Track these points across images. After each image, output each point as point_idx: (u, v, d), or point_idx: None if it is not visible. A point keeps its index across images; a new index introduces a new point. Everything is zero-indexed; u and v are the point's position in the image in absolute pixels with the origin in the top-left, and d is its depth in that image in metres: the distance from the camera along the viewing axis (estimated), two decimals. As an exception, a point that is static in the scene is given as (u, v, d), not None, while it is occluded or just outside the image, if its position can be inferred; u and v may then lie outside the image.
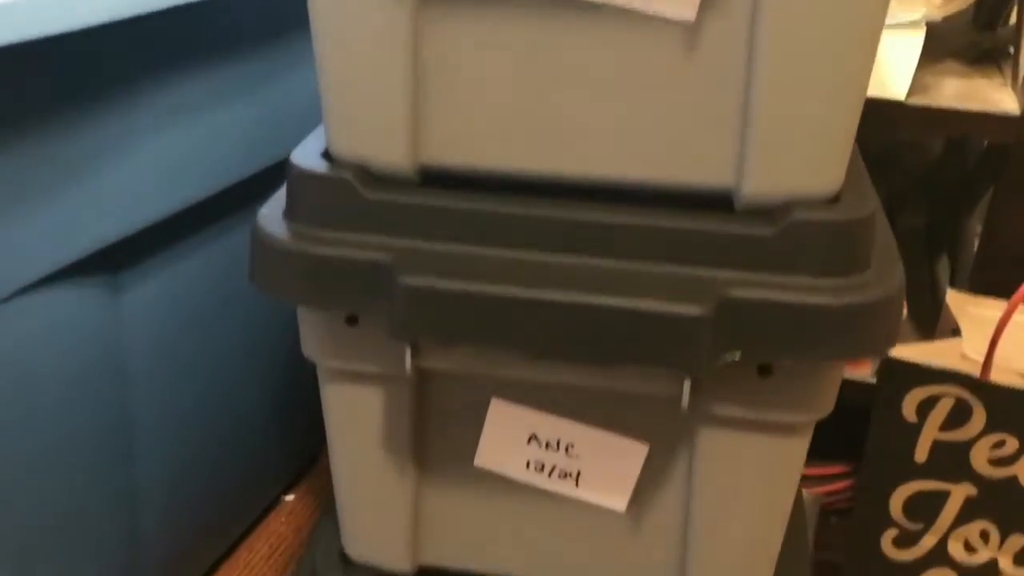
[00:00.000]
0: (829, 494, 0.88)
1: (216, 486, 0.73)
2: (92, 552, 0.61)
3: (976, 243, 0.85)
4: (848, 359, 0.38)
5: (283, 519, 0.84)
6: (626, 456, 0.46)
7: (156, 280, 0.62)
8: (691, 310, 0.37)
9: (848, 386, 0.80)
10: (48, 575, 0.59)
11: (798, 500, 0.58)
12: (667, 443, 0.45)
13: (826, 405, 0.42)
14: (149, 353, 0.62)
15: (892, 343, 0.38)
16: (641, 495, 0.46)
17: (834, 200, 0.39)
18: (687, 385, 0.39)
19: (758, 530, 0.46)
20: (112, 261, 0.59)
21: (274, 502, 0.86)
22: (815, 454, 0.91)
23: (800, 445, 0.43)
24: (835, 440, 0.84)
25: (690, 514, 0.46)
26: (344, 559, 0.50)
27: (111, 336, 0.59)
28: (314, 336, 0.44)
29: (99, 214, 0.56)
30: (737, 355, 0.39)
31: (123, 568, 0.64)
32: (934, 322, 0.80)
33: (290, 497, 0.87)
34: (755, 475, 0.44)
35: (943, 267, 0.96)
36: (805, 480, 0.87)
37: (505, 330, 0.38)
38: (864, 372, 0.80)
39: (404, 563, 0.49)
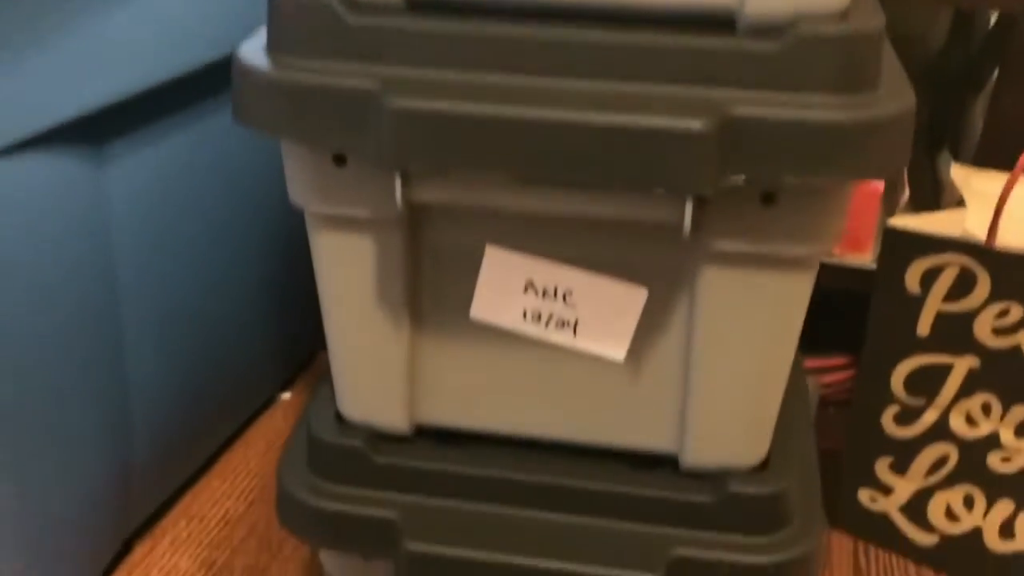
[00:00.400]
0: (828, 385, 0.87)
1: (210, 378, 0.72)
2: (83, 444, 0.60)
3: (980, 129, 0.83)
4: (856, 178, 0.36)
5: (280, 416, 0.84)
6: (625, 302, 0.44)
7: (142, 156, 0.61)
8: (693, 125, 0.35)
9: (847, 273, 0.80)
10: (38, 468, 0.58)
11: (797, 362, 0.57)
12: (667, 286, 0.44)
13: (831, 237, 0.41)
14: (135, 232, 0.61)
15: (903, 162, 0.37)
16: (640, 344, 0.45)
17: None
18: (689, 209, 0.38)
19: (761, 376, 0.45)
20: (96, 133, 0.57)
21: (270, 400, 0.85)
22: (814, 346, 0.90)
23: (805, 282, 0.42)
24: (834, 331, 0.84)
25: (690, 362, 0.45)
26: (340, 420, 0.49)
27: (95, 211, 0.58)
28: (301, 179, 0.43)
29: (81, 78, 0.54)
30: (741, 178, 0.37)
31: (116, 462, 0.64)
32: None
33: (287, 395, 0.86)
34: (758, 315, 0.43)
35: (945, 161, 0.95)
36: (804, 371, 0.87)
37: (499, 152, 0.36)
38: (864, 258, 0.79)
39: (401, 422, 0.48)
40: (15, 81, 0.51)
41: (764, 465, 0.47)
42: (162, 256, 0.64)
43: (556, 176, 0.37)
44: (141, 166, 0.60)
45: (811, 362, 0.88)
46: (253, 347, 0.77)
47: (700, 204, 0.39)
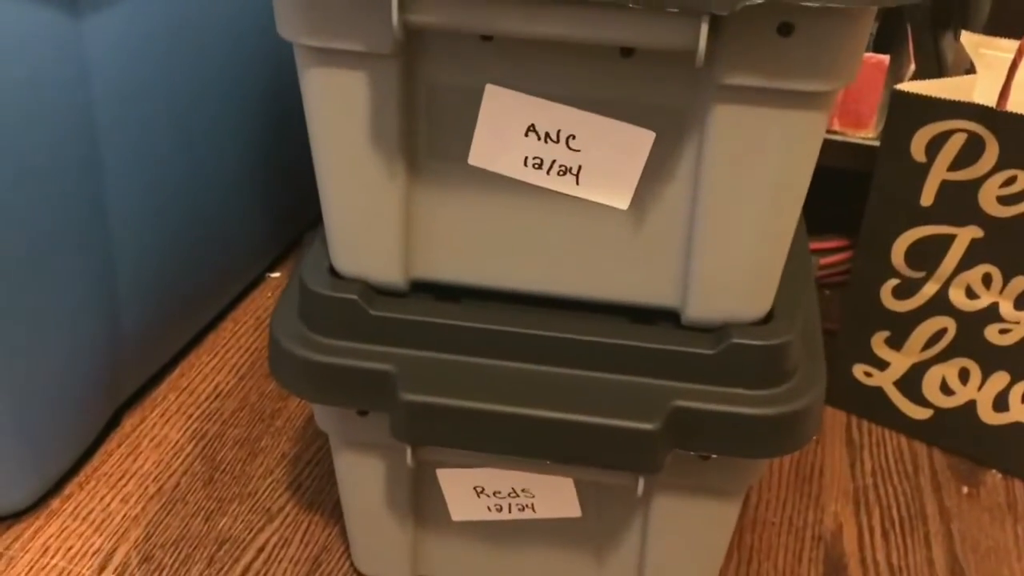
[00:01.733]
0: (826, 267, 0.86)
1: (197, 250, 0.70)
2: (67, 311, 0.59)
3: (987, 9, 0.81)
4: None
5: (269, 293, 0.83)
6: (631, 146, 0.43)
7: (119, 8, 0.58)
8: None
9: (849, 149, 0.78)
10: (23, 337, 0.57)
11: (801, 219, 0.56)
12: (675, 130, 0.42)
13: (847, 72, 0.39)
14: (115, 86, 0.58)
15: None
16: (645, 192, 0.44)
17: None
18: (704, 32, 0.36)
19: (769, 225, 0.43)
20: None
21: (259, 279, 0.84)
22: (812, 227, 0.89)
23: (818, 122, 0.41)
24: (833, 212, 0.83)
25: (696, 211, 0.43)
26: (333, 274, 0.48)
27: (72, 65, 0.55)
28: (290, 7, 0.40)
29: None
30: None
31: (103, 332, 0.63)
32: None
33: (276, 274, 0.85)
34: (770, 159, 0.41)
35: (949, 41, 0.92)
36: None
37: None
38: (867, 134, 0.77)
39: (396, 276, 0.47)
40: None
41: (767, 319, 0.46)
42: (143, 113, 0.61)
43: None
44: (118, 15, 0.57)
45: (810, 244, 0.87)
46: (241, 221, 0.76)
47: (715, 30, 0.37)
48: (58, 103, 0.55)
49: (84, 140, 0.57)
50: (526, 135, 0.43)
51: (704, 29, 0.36)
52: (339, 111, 0.43)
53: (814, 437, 0.47)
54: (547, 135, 0.43)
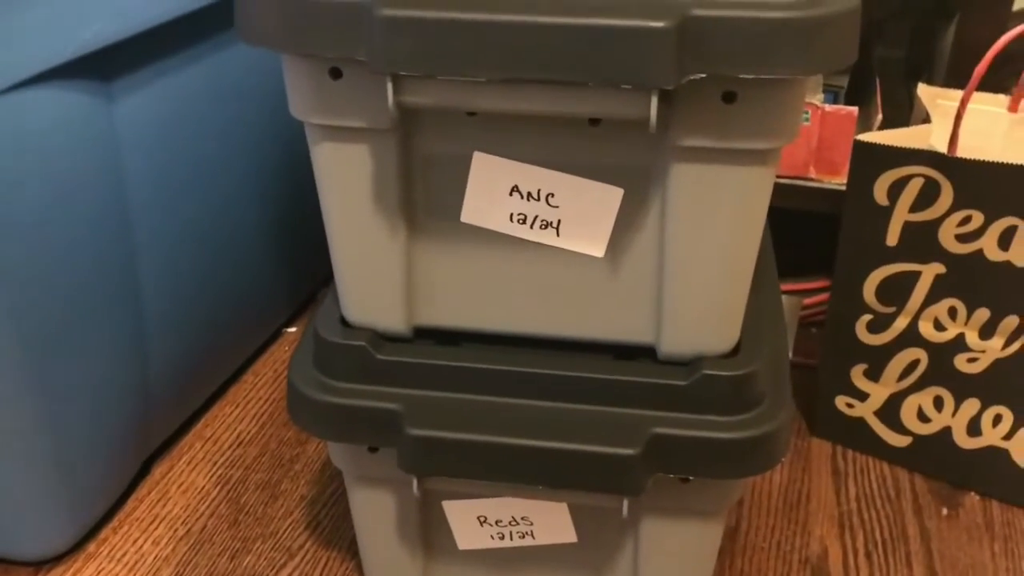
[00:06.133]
0: (809, 306, 0.91)
1: (220, 309, 0.76)
2: (103, 370, 0.64)
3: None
4: (804, 73, 0.40)
5: (286, 347, 0.88)
6: (603, 201, 0.48)
7: (149, 89, 0.64)
8: (655, 23, 0.39)
9: (825, 195, 0.83)
10: (64, 396, 0.61)
11: (768, 259, 0.61)
12: (640, 186, 0.47)
13: (788, 132, 0.44)
14: (145, 163, 0.64)
15: (849, 59, 0.41)
16: (618, 241, 0.49)
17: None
18: (654, 104, 0.41)
19: (729, 265, 0.48)
20: (105, 68, 0.60)
21: (276, 334, 0.89)
22: (796, 269, 0.94)
23: (765, 175, 0.46)
24: (814, 255, 0.88)
25: (664, 256, 0.49)
26: (344, 324, 0.53)
27: (106, 142, 0.61)
28: (301, 93, 0.46)
29: (86, 16, 0.58)
30: (701, 75, 0.40)
31: (135, 387, 0.68)
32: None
33: (292, 329, 0.90)
34: (724, 207, 0.46)
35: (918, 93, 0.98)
36: (786, 294, 0.91)
37: (476, 46, 0.40)
38: (841, 180, 0.83)
39: (400, 323, 0.52)
40: (26, 19, 0.55)
41: (735, 351, 0.51)
42: (171, 186, 0.67)
43: (534, 75, 0.41)
44: (148, 98, 0.64)
45: (794, 285, 0.92)
46: (260, 281, 0.81)
47: (666, 100, 0.43)
48: (93, 181, 0.60)
49: (117, 214, 0.63)
50: (510, 194, 0.48)
51: (655, 101, 0.41)
52: (346, 179, 0.49)
53: (783, 458, 0.51)
54: (529, 194, 0.48)
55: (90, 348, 0.63)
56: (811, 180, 0.84)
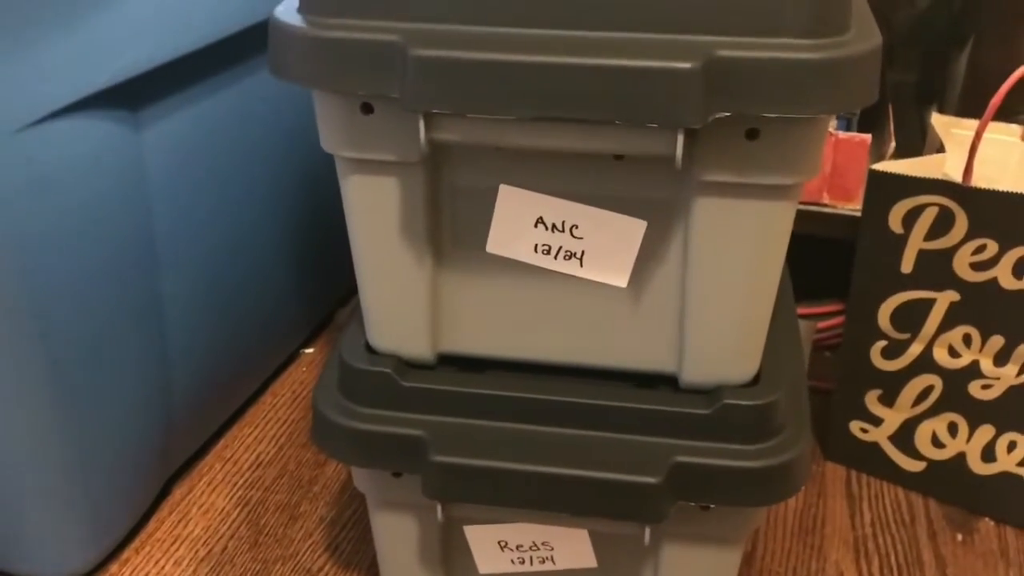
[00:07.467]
0: (824, 330, 0.92)
1: (240, 333, 0.77)
2: (127, 395, 0.65)
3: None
4: (827, 113, 0.42)
5: (304, 368, 0.89)
6: (626, 233, 0.49)
7: (175, 119, 0.65)
8: (681, 64, 0.40)
9: (840, 221, 0.84)
10: (90, 418, 0.62)
11: (787, 289, 0.62)
12: (664, 218, 0.48)
13: (810, 168, 0.45)
14: (171, 193, 0.66)
15: (869, 99, 0.42)
16: (641, 272, 0.50)
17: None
18: (680, 142, 0.42)
19: (750, 298, 0.49)
20: (132, 98, 0.62)
21: (294, 355, 0.90)
22: (810, 293, 0.95)
23: (787, 209, 0.47)
24: (829, 279, 0.88)
25: (686, 287, 0.50)
26: (369, 350, 0.54)
27: (133, 172, 0.62)
28: (332, 127, 0.47)
29: (116, 47, 0.59)
30: (727, 114, 0.41)
31: (157, 410, 0.69)
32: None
33: (310, 350, 0.91)
34: (746, 241, 0.47)
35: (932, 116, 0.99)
36: (800, 318, 0.91)
37: (507, 85, 0.41)
38: (855, 207, 0.83)
39: (425, 350, 0.53)
40: (60, 49, 0.56)
41: (756, 380, 0.52)
42: (196, 211, 0.68)
43: (563, 114, 0.42)
44: (174, 126, 0.65)
45: (807, 309, 0.92)
46: (279, 303, 0.82)
47: (691, 137, 0.44)
48: (120, 208, 0.62)
49: (143, 239, 0.64)
50: (535, 226, 0.49)
51: (680, 139, 0.42)
52: (374, 210, 0.50)
53: (802, 486, 0.52)
54: (553, 225, 0.49)
55: (115, 371, 0.64)
56: (824, 206, 0.85)
